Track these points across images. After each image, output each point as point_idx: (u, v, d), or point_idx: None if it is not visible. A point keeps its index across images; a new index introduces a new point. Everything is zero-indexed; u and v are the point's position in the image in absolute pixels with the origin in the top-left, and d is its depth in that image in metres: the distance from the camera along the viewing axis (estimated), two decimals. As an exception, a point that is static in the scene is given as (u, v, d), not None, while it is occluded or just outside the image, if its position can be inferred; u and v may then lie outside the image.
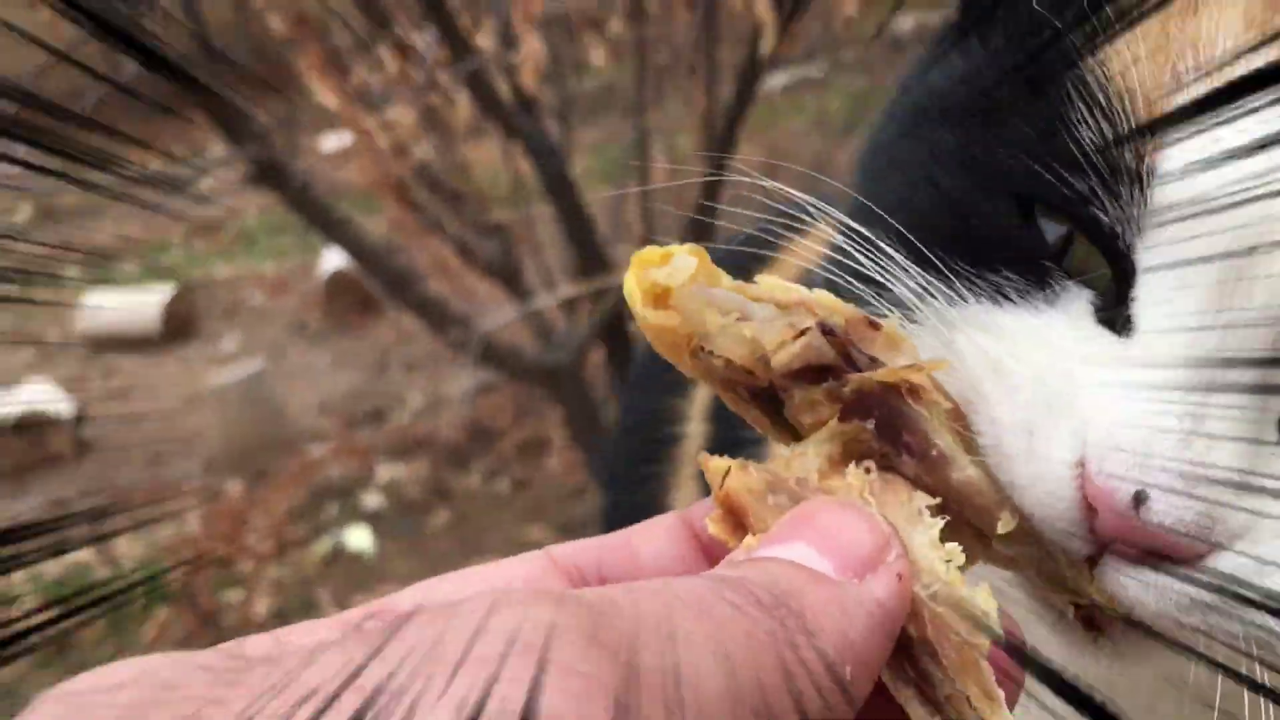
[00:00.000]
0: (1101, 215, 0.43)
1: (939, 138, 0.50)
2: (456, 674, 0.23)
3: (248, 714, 0.23)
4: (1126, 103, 0.43)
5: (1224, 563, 0.39)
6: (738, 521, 0.36)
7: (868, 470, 0.37)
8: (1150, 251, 0.42)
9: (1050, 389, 0.42)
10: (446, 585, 0.36)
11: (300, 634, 0.32)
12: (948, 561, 0.35)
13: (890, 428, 0.39)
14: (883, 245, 0.47)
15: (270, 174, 1.97)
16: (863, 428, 0.38)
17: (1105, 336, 0.43)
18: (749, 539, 0.35)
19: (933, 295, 0.46)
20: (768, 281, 0.40)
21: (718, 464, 0.37)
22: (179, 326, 4.20)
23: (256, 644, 0.30)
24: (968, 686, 0.33)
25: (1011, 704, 0.35)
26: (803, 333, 0.38)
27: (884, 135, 0.58)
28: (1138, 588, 0.40)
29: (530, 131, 2.23)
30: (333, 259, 4.01)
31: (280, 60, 2.27)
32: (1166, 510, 0.38)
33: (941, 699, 0.33)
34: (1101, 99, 0.43)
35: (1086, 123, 0.43)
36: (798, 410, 0.39)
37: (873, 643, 0.31)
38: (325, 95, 2.17)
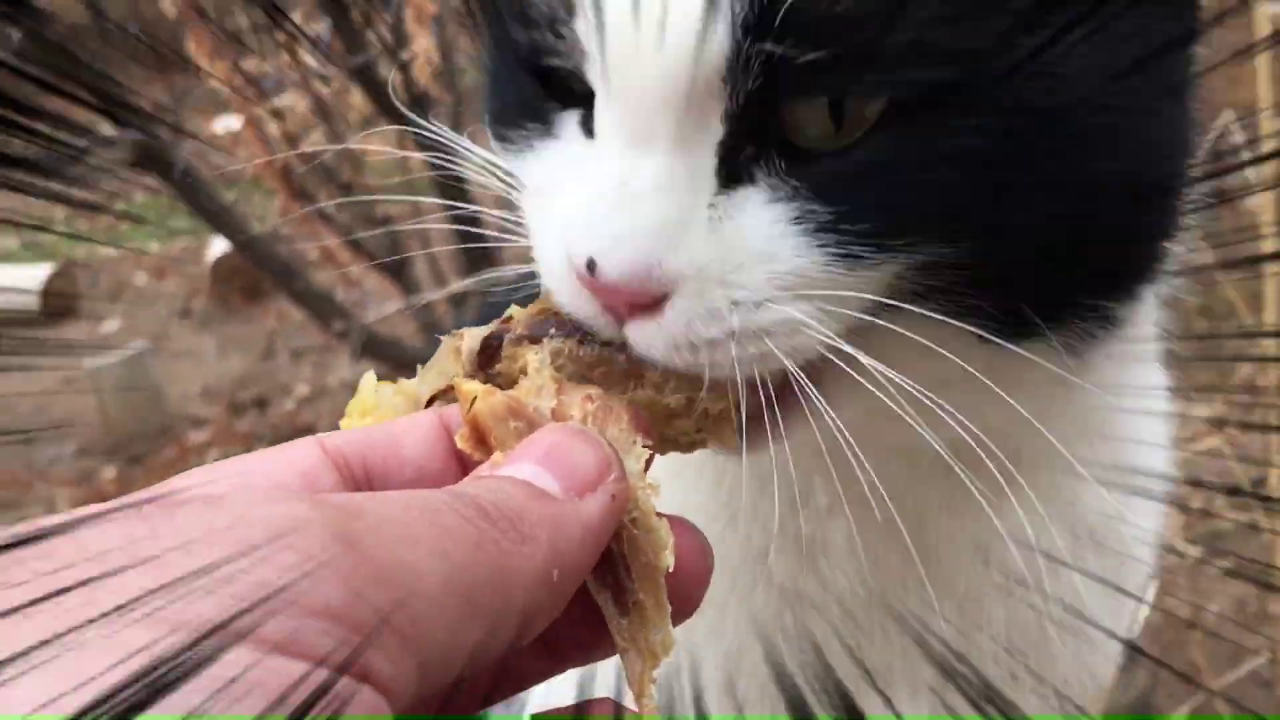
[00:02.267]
0: (558, 61, 0.49)
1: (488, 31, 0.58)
2: (215, 551, 0.28)
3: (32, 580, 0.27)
4: None
5: (677, 309, 0.45)
6: (482, 439, 0.43)
7: (589, 399, 0.44)
8: (592, 74, 0.47)
9: (545, 204, 0.50)
10: (230, 468, 0.41)
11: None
12: (647, 492, 0.42)
13: (565, 325, 0.48)
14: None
15: (154, 158, 1.95)
16: (550, 325, 0.47)
17: (584, 142, 0.50)
18: (496, 455, 0.41)
19: (495, 169, 0.55)
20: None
21: (468, 388, 0.44)
22: (59, 306, 4.09)
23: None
24: (647, 597, 0.40)
25: (682, 618, 0.42)
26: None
27: None
28: (643, 341, 0.46)
29: (421, 127, 2.25)
30: (221, 242, 3.95)
31: (172, 41, 2.25)
32: (608, 268, 0.44)
33: (629, 603, 0.41)
34: None
35: None
36: (510, 363, 0.47)
37: (581, 553, 0.37)
38: (214, 79, 2.16)
